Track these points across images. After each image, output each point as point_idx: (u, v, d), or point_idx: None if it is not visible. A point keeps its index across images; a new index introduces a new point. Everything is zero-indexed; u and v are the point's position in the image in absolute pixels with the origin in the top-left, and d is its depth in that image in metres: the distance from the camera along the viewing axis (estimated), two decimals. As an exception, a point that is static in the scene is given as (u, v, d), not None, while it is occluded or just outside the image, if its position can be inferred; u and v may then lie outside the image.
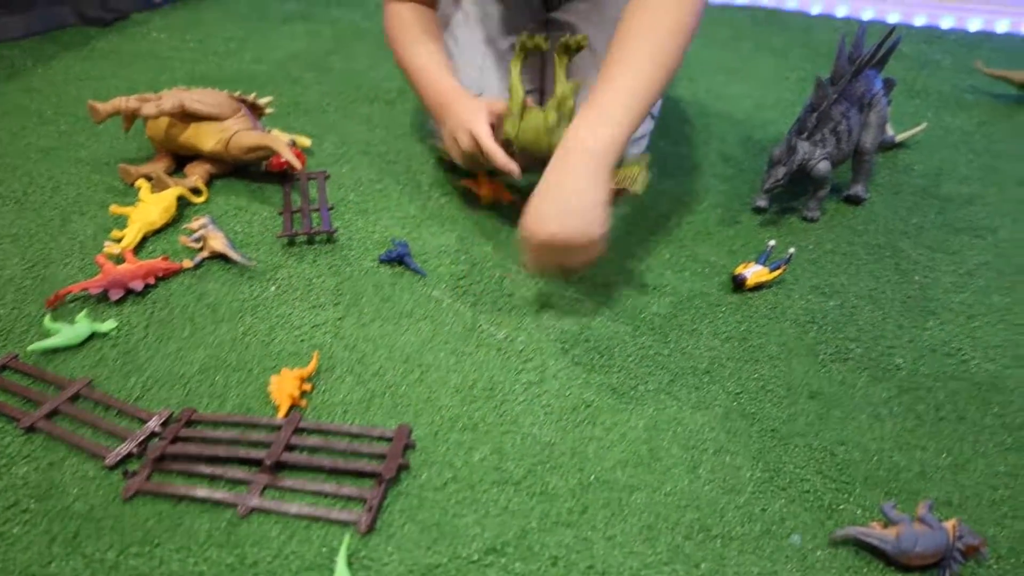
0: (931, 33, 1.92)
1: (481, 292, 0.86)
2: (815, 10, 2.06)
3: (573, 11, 1.07)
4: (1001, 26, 1.99)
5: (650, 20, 0.82)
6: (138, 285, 0.82)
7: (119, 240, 0.90)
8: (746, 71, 1.58)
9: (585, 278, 0.88)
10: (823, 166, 0.98)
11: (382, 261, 0.90)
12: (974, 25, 1.99)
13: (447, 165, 1.10)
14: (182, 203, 0.98)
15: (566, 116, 0.87)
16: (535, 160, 0.87)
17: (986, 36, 1.93)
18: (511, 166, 0.88)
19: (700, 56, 1.64)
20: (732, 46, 1.74)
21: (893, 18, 2.03)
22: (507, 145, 0.90)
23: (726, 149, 1.22)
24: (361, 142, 1.18)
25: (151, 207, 0.93)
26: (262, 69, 1.44)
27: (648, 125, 1.10)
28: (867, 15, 2.04)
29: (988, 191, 1.14)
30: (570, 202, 0.75)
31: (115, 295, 0.81)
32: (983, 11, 1.99)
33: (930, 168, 1.20)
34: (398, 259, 0.90)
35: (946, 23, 2.00)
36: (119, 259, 0.86)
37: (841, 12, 2.04)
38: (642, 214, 1.03)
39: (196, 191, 1.00)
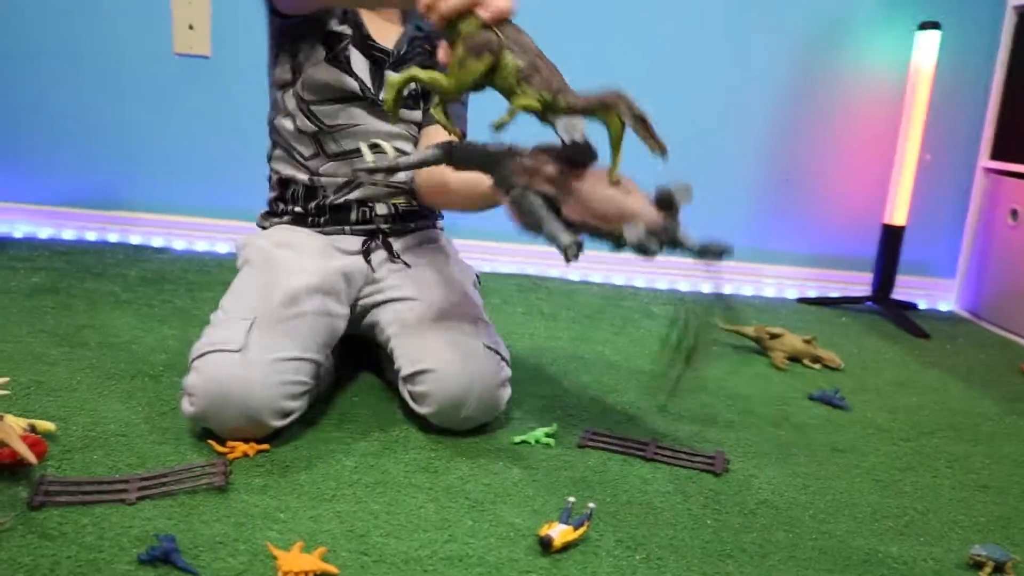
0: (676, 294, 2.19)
1: (265, 587, 0.75)
2: (574, 277, 2.28)
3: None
4: (728, 288, 2.32)
5: None
6: None
7: None
8: (519, 334, 1.67)
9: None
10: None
11: (142, 561, 0.76)
12: (685, 287, 2.30)
13: (221, 441, 1.00)
14: None
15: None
16: None
17: (716, 297, 2.23)
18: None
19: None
20: (504, 310, 1.85)
21: (640, 282, 2.30)
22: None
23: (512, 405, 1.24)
24: (119, 423, 1.05)
25: None
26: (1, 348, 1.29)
27: None
28: (618, 280, 2.29)
29: (747, 433, 1.24)
30: None
31: None
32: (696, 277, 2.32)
33: (696, 415, 1.29)
34: (163, 557, 0.76)
35: (683, 286, 2.30)
36: None
37: (596, 278, 2.28)
38: (436, 479, 0.98)
39: None
